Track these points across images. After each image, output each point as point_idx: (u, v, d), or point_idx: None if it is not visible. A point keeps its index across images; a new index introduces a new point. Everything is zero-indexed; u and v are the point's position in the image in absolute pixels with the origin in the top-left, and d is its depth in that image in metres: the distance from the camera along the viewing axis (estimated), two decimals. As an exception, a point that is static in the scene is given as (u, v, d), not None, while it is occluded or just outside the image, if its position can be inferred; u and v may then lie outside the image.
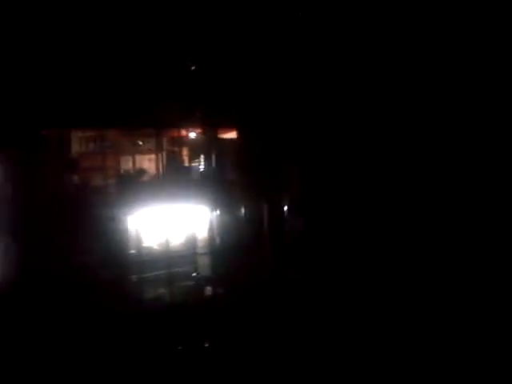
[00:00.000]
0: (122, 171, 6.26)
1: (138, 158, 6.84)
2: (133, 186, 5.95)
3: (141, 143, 7.14)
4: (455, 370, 3.50)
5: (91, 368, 4.44)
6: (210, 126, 6.54)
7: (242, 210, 5.70)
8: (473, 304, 4.10)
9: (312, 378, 4.26)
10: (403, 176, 5.08)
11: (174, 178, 6.15)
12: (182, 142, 6.90)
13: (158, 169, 6.62)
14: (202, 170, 6.35)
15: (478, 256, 4.36)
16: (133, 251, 5.58)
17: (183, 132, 6.90)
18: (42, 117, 5.36)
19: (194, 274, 5.65)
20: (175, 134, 6.93)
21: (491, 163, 4.77)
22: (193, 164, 6.55)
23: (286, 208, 5.54)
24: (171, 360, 4.70)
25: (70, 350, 4.54)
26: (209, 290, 5.59)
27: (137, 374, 4.49)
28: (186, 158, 6.81)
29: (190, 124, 6.69)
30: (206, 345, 4.99)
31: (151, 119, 6.28)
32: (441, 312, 4.28)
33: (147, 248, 5.68)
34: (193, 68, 6.23)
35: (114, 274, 5.25)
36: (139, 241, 5.65)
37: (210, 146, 6.49)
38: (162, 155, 6.76)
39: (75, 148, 6.30)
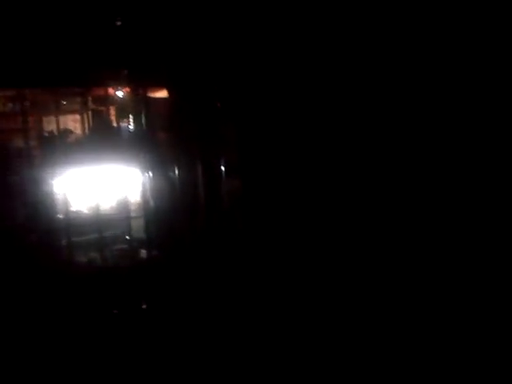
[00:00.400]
0: (45, 132, 5.94)
1: (62, 118, 6.52)
2: (57, 147, 5.67)
3: (64, 103, 6.81)
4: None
5: (20, 337, 4.33)
6: (139, 84, 6.29)
7: (176, 172, 5.59)
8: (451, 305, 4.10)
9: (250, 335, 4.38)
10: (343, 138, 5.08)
11: (102, 139, 5.91)
12: (110, 101, 6.61)
13: (84, 129, 6.35)
14: (131, 130, 6.12)
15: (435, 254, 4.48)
16: (61, 215, 5.36)
17: (110, 91, 6.60)
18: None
19: (127, 238, 5.54)
20: (102, 93, 6.63)
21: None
22: (121, 124, 6.30)
23: (222, 169, 5.47)
24: (107, 324, 4.66)
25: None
26: (142, 252, 5.51)
27: (70, 339, 4.43)
28: (114, 118, 6.55)
29: (117, 82, 6.40)
30: (143, 307, 4.98)
31: (75, 77, 5.94)
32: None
33: (76, 212, 5.49)
34: (119, 24, 5.92)
35: (41, 240, 5.06)
36: (67, 204, 5.43)
37: (140, 105, 6.25)
38: (88, 115, 6.48)
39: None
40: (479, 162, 4.13)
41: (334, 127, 4.93)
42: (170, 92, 6.36)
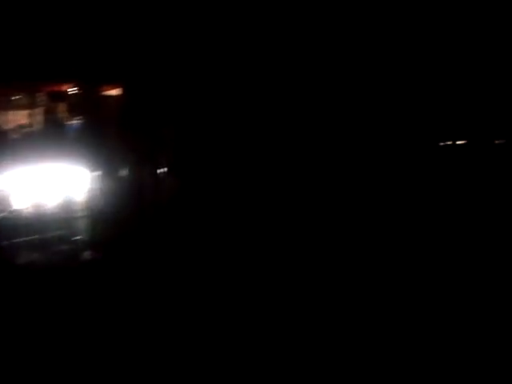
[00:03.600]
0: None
1: (9, 113, 6.36)
2: (3, 143, 5.52)
3: (13, 98, 6.64)
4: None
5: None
6: (89, 81, 6.22)
7: (121, 171, 5.55)
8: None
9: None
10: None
11: (48, 136, 5.79)
12: (59, 97, 6.48)
13: (30, 126, 6.19)
14: (79, 128, 6.02)
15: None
16: (1, 214, 5.22)
17: (60, 87, 6.48)
18: None
19: (72, 238, 5.44)
20: (52, 89, 6.50)
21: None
22: (69, 122, 6.18)
23: (163, 169, 5.52)
24: (48, 325, 4.55)
25: None
26: (85, 253, 5.42)
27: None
28: (62, 115, 6.42)
29: (66, 78, 6.30)
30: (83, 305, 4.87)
31: (25, 72, 5.82)
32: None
33: (18, 211, 5.34)
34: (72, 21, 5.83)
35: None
36: (9, 203, 5.29)
37: (88, 102, 6.17)
38: (36, 111, 6.32)
39: None
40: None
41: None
42: (120, 92, 6.33)
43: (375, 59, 5.73)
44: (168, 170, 5.73)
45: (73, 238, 5.45)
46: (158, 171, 5.86)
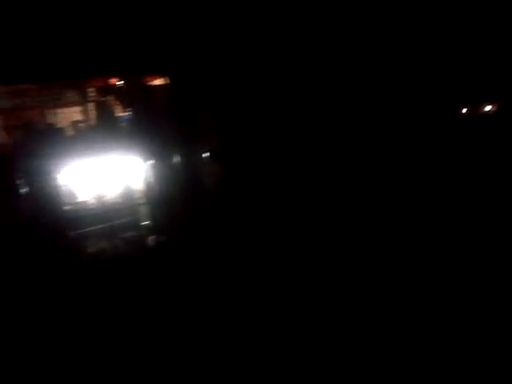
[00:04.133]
0: (48, 126, 6.02)
1: (65, 111, 6.61)
2: (61, 140, 5.76)
3: (65, 95, 6.87)
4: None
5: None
6: (137, 73, 6.35)
7: (174, 158, 5.71)
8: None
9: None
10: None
11: (103, 129, 5.99)
12: (109, 91, 6.67)
13: (85, 121, 6.42)
14: (130, 119, 6.19)
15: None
16: (68, 207, 5.48)
17: (109, 81, 6.66)
18: None
19: (135, 225, 5.66)
20: (101, 83, 6.69)
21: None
22: (121, 114, 6.37)
23: (211, 154, 5.66)
24: (120, 309, 4.77)
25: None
26: (150, 238, 5.63)
27: (85, 327, 4.55)
28: (113, 108, 6.61)
29: (115, 72, 6.46)
30: (155, 290, 5.07)
31: (74, 69, 6.00)
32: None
33: (82, 203, 5.60)
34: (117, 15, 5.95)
35: (49, 232, 5.17)
36: (73, 196, 5.55)
37: (139, 94, 6.32)
38: (89, 106, 6.55)
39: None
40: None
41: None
42: (168, 81, 6.44)
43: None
44: (214, 155, 5.83)
45: (135, 225, 5.67)
46: (206, 156, 5.97)
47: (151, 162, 5.64)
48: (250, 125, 5.58)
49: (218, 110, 5.66)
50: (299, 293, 4.63)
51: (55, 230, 5.24)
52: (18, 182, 5.17)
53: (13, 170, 5.27)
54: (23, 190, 5.15)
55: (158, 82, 6.63)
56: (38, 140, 5.58)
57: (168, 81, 6.42)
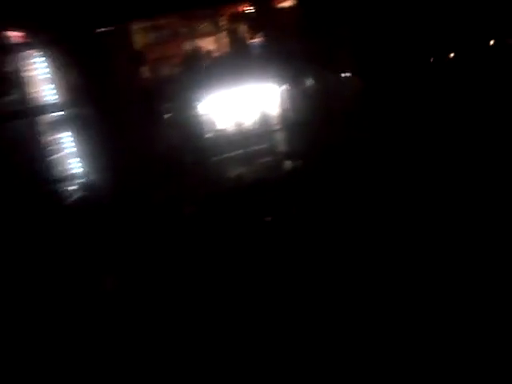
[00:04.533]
0: (186, 58, 6.23)
1: (199, 41, 6.76)
2: (201, 70, 5.94)
3: (200, 26, 7.01)
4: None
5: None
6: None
7: (310, 81, 5.58)
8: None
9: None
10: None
11: (238, 57, 6.05)
12: (240, 17, 6.66)
13: (220, 50, 6.52)
14: (263, 45, 6.15)
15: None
16: (209, 135, 5.74)
17: (240, 7, 6.64)
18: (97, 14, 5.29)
19: (272, 150, 5.76)
20: (232, 10, 6.70)
21: None
22: (252, 40, 6.35)
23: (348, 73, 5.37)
24: (261, 230, 4.98)
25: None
26: (287, 163, 5.70)
27: (230, 245, 4.82)
28: (245, 35, 6.61)
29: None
30: (293, 213, 5.18)
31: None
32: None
33: (222, 130, 5.82)
34: None
35: (194, 158, 5.50)
36: (214, 124, 5.78)
37: (268, 18, 6.22)
38: (222, 35, 6.62)
39: (135, 41, 6.32)
40: None
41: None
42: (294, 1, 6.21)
43: None
44: (352, 74, 5.57)
45: (272, 150, 5.77)
46: (343, 76, 5.75)
47: (286, 86, 5.59)
48: (389, 43, 5.15)
49: (355, 25, 5.30)
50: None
51: (198, 156, 5.55)
52: (163, 110, 5.48)
53: (159, 99, 5.60)
54: (169, 118, 5.45)
55: (285, 3, 6.45)
56: (180, 71, 5.82)
57: (299, 6, 6.21)
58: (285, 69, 5.59)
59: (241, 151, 5.72)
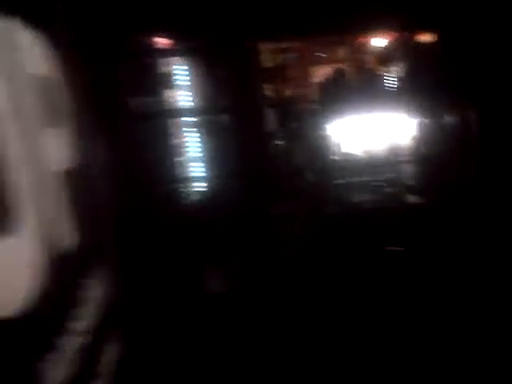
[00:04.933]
0: (319, 82, 6.37)
1: (324, 68, 6.88)
2: (330, 95, 6.03)
3: (326, 53, 7.15)
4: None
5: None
6: (405, 28, 6.16)
7: (443, 118, 5.45)
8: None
9: None
10: None
11: (374, 85, 6.08)
12: (372, 48, 6.71)
13: (357, 76, 6.59)
14: (397, 78, 6.14)
15: None
16: (335, 157, 5.77)
17: (372, 38, 6.67)
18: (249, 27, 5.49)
19: (396, 181, 5.67)
20: (363, 40, 6.75)
21: None
22: (386, 72, 6.36)
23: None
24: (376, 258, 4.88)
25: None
26: (410, 197, 5.59)
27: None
28: (377, 67, 6.65)
29: (380, 28, 6.39)
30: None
31: (340, 24, 6.09)
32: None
33: (349, 155, 5.83)
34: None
35: (317, 178, 5.54)
36: (339, 147, 5.81)
37: (405, 51, 6.19)
38: (361, 61, 6.69)
39: (265, 60, 6.52)
40: None
41: None
42: (436, 35, 6.12)
43: None
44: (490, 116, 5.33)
45: (397, 182, 5.68)
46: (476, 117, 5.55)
47: (421, 119, 5.51)
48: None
49: (496, 63, 5.04)
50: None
51: (320, 177, 5.58)
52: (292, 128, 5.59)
53: (287, 117, 5.73)
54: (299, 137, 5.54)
55: (424, 37, 6.39)
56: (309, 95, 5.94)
57: (436, 37, 6.13)
58: (421, 101, 5.52)
59: (364, 178, 5.69)
